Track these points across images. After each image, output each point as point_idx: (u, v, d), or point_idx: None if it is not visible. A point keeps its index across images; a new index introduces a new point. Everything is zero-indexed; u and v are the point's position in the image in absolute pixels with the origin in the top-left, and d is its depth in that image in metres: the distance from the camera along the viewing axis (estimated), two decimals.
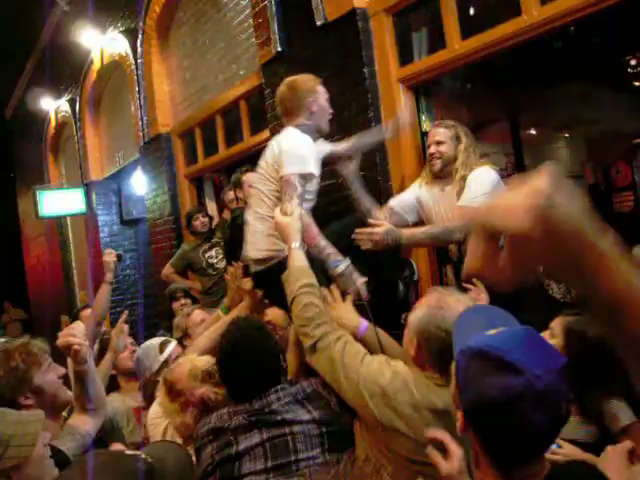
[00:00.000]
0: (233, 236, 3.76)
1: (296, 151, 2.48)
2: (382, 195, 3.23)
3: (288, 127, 2.66)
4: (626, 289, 0.61)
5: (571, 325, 1.78)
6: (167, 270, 4.74)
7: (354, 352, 1.73)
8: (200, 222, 4.60)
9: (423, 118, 3.32)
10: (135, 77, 5.99)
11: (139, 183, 6.63)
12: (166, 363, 2.53)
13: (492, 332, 1.11)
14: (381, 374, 1.64)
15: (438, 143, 2.77)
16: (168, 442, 1.82)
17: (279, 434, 1.68)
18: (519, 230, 0.61)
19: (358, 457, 1.68)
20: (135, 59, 5.99)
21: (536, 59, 4.63)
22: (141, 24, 5.83)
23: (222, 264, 4.44)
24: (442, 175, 2.79)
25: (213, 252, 4.58)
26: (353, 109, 3.39)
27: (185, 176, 5.65)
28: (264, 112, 4.19)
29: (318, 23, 3.63)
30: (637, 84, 6.55)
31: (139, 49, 5.92)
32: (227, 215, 4.51)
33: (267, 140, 4.18)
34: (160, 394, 2.23)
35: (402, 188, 3.22)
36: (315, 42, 3.69)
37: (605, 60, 6.21)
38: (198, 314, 3.16)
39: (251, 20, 4.38)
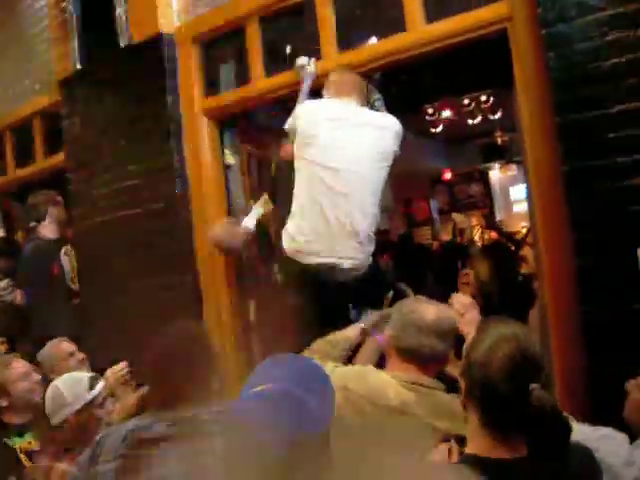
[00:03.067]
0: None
1: None
2: (181, 229, 3.11)
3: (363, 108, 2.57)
4: None
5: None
6: None
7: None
8: None
9: (226, 151, 3.27)
10: None
11: None
12: (92, 403, 2.12)
13: (255, 390, 1.03)
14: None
15: None
16: None
17: (196, 465, 1.43)
18: None
19: None
20: None
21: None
22: None
23: (10, 297, 3.99)
24: None
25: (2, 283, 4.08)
26: (154, 137, 3.23)
27: None
28: (60, 132, 3.84)
29: (122, 44, 3.44)
30: (433, 130, 7.20)
31: None
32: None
33: (62, 162, 3.90)
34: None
35: (204, 221, 3.13)
36: (118, 63, 3.48)
37: (407, 107, 6.79)
38: (20, 367, 2.50)
39: (50, 32, 4.03)
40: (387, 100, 5.11)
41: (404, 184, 9.10)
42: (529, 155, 2.28)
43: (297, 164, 2.44)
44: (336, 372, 1.75)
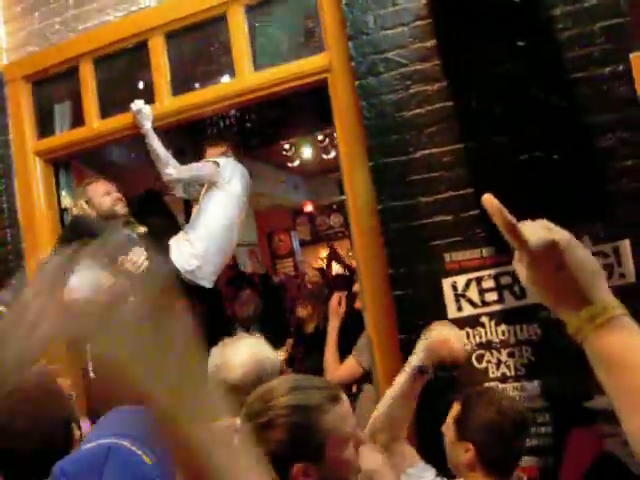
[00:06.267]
0: None
1: None
2: (13, 274, 2.95)
3: None
4: None
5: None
6: None
7: None
8: None
9: (63, 194, 3.17)
10: None
11: None
12: None
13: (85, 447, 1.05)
14: None
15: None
16: None
17: None
18: None
19: None
20: None
21: (194, 138, 4.92)
22: None
23: None
24: None
25: None
26: None
27: None
28: None
29: None
30: (290, 165, 7.44)
31: None
32: None
33: None
34: None
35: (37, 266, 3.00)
36: None
37: (266, 143, 6.98)
38: None
39: None
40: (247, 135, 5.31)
41: (266, 218, 9.31)
42: (349, 196, 2.45)
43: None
44: None
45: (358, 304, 2.77)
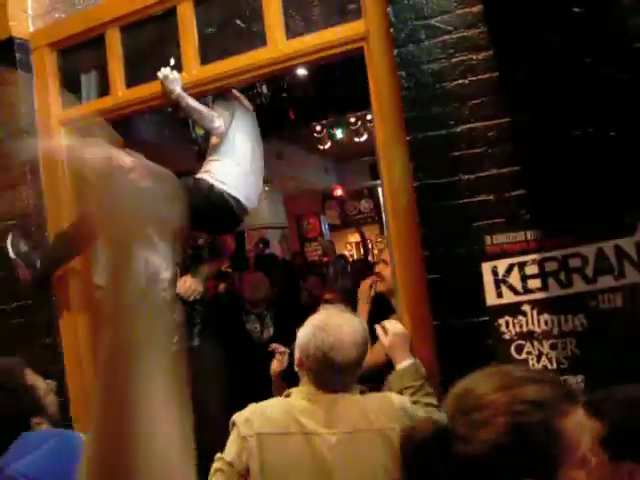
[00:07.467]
0: None
1: None
2: (36, 244, 2.89)
3: None
4: None
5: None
6: None
7: None
8: None
9: None
10: None
11: None
12: None
13: None
14: None
15: None
16: None
17: None
18: None
19: None
20: None
21: None
22: None
23: None
24: None
25: None
26: (4, 150, 2.98)
27: None
28: None
29: None
30: (321, 147, 7.28)
31: None
32: None
33: None
34: None
35: None
36: None
37: (296, 124, 6.84)
38: None
39: None
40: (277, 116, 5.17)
41: (295, 201, 9.20)
42: (384, 172, 2.30)
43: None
44: None
45: (381, 284, 2.61)
